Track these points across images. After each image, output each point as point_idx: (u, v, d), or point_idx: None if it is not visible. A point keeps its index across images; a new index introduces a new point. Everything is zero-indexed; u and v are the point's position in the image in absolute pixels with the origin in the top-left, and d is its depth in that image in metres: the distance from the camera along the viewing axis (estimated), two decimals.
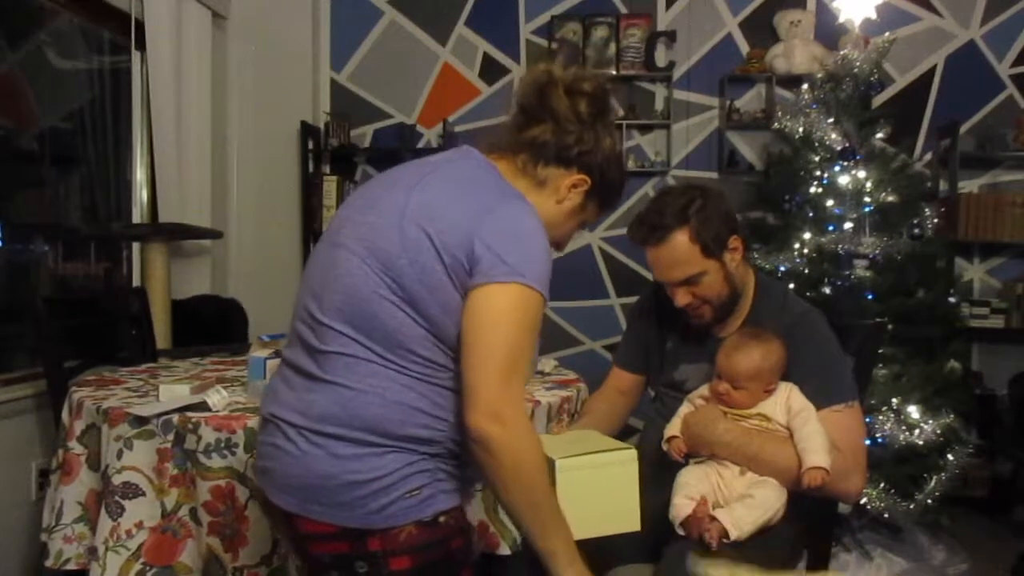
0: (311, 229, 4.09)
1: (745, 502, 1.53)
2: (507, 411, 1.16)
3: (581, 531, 1.43)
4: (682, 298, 1.70)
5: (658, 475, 1.71)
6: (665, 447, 1.67)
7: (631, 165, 4.13)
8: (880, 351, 2.51)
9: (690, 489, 1.56)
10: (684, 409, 1.69)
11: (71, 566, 1.75)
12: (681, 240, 1.66)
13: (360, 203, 1.32)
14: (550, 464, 1.35)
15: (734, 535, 1.48)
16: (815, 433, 1.55)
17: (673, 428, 1.67)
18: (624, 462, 1.45)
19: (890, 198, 3.09)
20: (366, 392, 1.20)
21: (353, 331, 1.22)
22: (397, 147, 4.22)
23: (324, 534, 1.21)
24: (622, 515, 1.48)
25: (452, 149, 1.37)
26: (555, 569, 1.25)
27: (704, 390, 1.68)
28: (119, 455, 1.64)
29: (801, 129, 3.20)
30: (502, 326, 1.17)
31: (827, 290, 3.03)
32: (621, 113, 4.16)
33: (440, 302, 1.20)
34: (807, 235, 3.10)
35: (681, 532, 1.53)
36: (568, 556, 1.26)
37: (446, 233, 1.19)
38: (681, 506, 1.54)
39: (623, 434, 1.92)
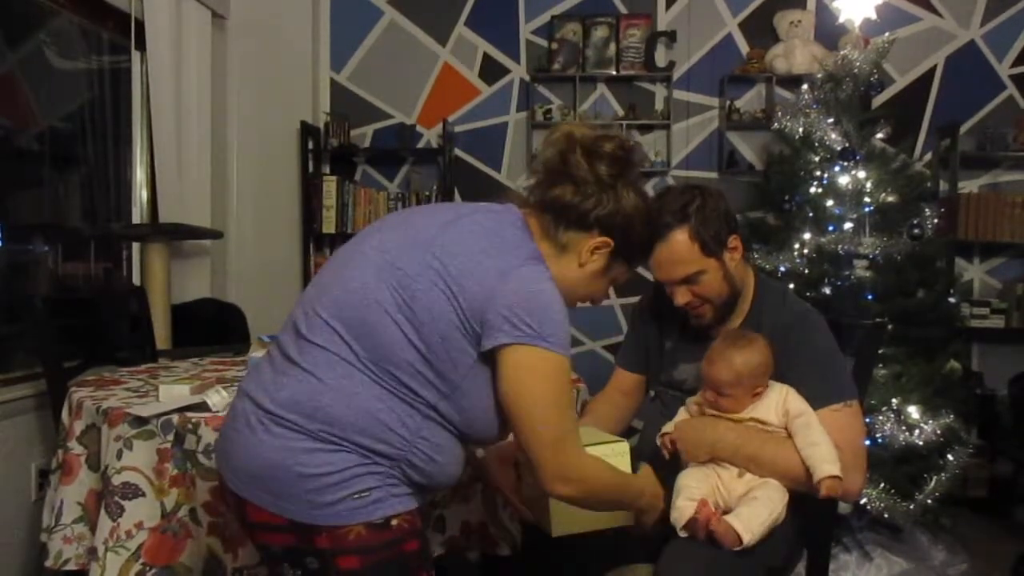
0: (311, 229, 4.09)
1: (752, 504, 1.53)
2: (571, 472, 1.29)
3: (576, 526, 1.43)
4: (682, 297, 1.70)
5: (657, 475, 1.71)
6: (658, 441, 1.67)
7: None
8: (880, 351, 2.51)
9: (692, 491, 1.56)
10: (682, 413, 1.69)
11: (71, 566, 1.75)
12: (681, 239, 1.66)
13: (394, 221, 1.36)
14: None
15: (747, 539, 1.48)
16: (822, 441, 1.54)
17: (667, 427, 1.67)
18: (617, 454, 1.50)
19: (890, 198, 3.08)
20: (336, 390, 1.22)
21: (344, 331, 1.24)
22: (397, 147, 4.23)
23: (272, 525, 1.23)
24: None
25: (496, 203, 1.40)
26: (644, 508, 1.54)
27: (699, 396, 1.68)
28: (119, 455, 1.64)
29: (801, 129, 3.20)
30: (541, 400, 1.25)
31: (827, 290, 3.03)
32: (622, 113, 4.17)
33: (442, 333, 1.23)
34: (807, 235, 3.10)
35: (684, 534, 1.53)
36: (644, 497, 1.52)
37: (467, 280, 1.23)
38: (684, 508, 1.54)
39: (625, 435, 1.92)
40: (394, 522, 1.22)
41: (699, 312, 1.72)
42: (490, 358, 1.24)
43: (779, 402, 1.59)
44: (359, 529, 1.20)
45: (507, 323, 1.21)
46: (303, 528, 1.20)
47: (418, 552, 1.26)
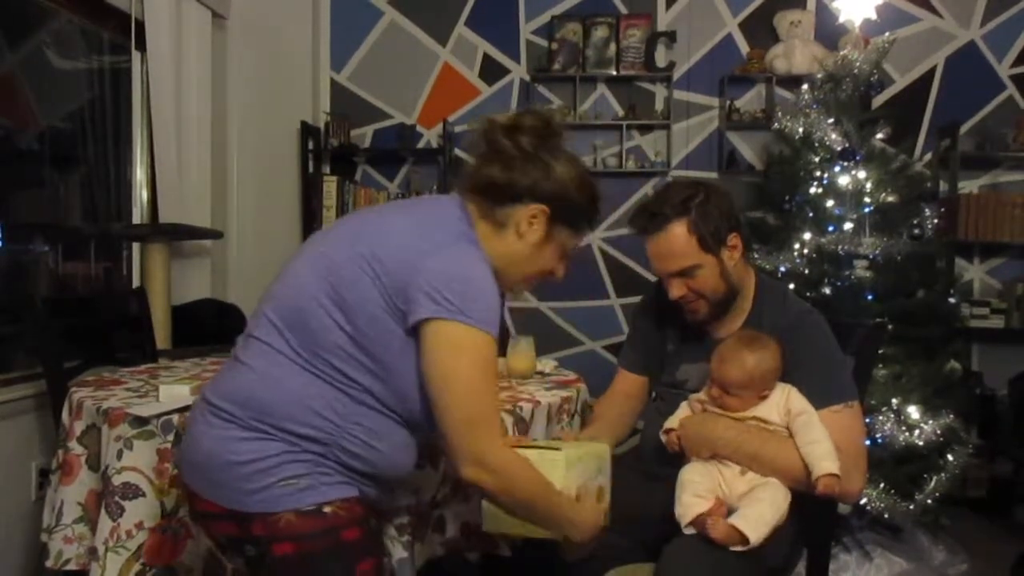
0: (311, 229, 4.09)
1: (757, 506, 1.53)
2: (488, 457, 1.26)
3: (505, 525, 1.42)
4: (677, 290, 1.70)
5: (657, 474, 1.71)
6: (663, 438, 1.67)
7: (631, 165, 4.13)
8: (880, 351, 2.50)
9: (697, 487, 1.56)
10: (684, 408, 1.69)
11: (71, 566, 1.75)
12: (679, 231, 1.66)
13: (341, 219, 1.43)
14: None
15: (753, 540, 1.48)
16: (822, 439, 1.54)
17: (672, 422, 1.67)
18: (546, 460, 1.43)
19: (890, 198, 3.08)
20: (266, 378, 1.27)
21: (281, 323, 1.29)
22: (397, 147, 4.23)
23: (214, 513, 1.28)
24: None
25: (443, 195, 1.44)
26: (570, 533, 1.41)
27: (703, 393, 1.68)
28: (119, 455, 1.64)
29: (801, 129, 3.20)
30: (456, 376, 1.23)
31: (827, 290, 3.03)
32: (622, 113, 4.17)
33: (369, 315, 1.25)
34: (807, 235, 3.10)
35: (689, 531, 1.53)
36: (570, 518, 1.40)
37: (390, 260, 1.25)
38: (689, 505, 1.54)
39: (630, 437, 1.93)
40: (327, 509, 1.25)
41: (693, 308, 1.72)
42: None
43: (781, 401, 1.60)
44: (289, 516, 1.23)
45: (428, 298, 1.22)
46: (239, 516, 1.24)
47: (359, 540, 1.27)
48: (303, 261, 1.35)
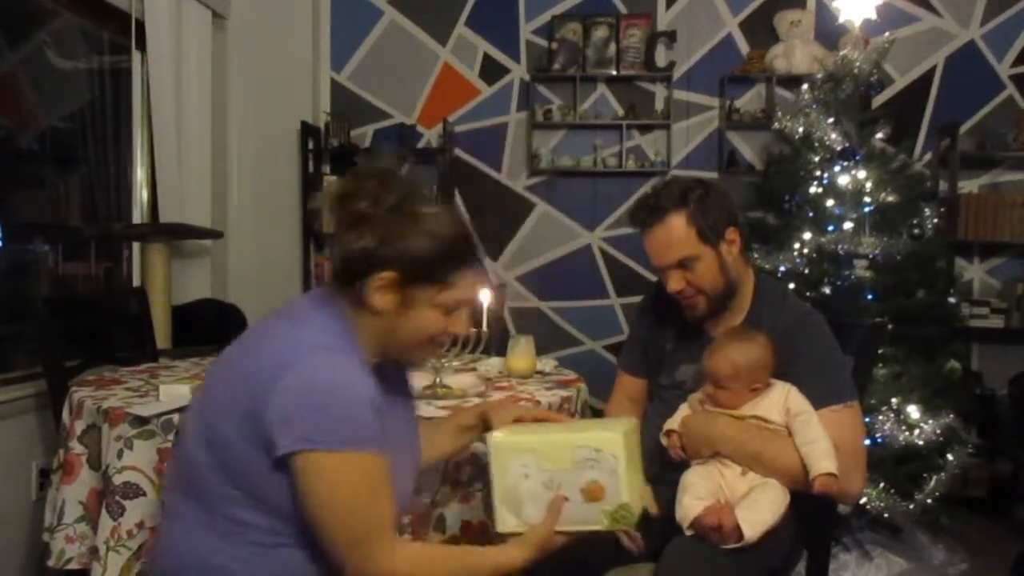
0: (311, 229, 4.09)
1: (755, 506, 1.53)
2: (383, 572, 1.19)
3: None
4: (675, 283, 1.71)
5: (657, 474, 1.71)
6: (664, 441, 1.67)
7: (631, 165, 4.14)
8: (880, 351, 2.51)
9: (698, 489, 1.56)
10: (684, 409, 1.69)
11: (73, 565, 1.75)
12: (678, 222, 1.67)
13: (216, 359, 1.36)
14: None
15: (748, 536, 1.48)
16: (821, 438, 1.54)
17: (672, 423, 1.68)
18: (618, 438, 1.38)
19: (890, 198, 3.09)
20: (170, 543, 1.27)
21: (184, 483, 1.26)
22: (397, 147, 4.23)
23: None
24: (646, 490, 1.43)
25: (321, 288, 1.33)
26: (513, 569, 1.30)
27: (701, 392, 1.68)
28: (120, 455, 1.64)
29: (801, 129, 3.20)
30: (330, 505, 1.16)
31: (827, 290, 3.03)
32: (622, 113, 4.17)
33: (244, 461, 1.18)
34: (807, 235, 3.10)
35: (690, 532, 1.53)
36: (503, 563, 1.30)
37: (245, 402, 1.17)
38: (690, 507, 1.54)
39: None
40: None
41: (692, 303, 1.73)
42: None
43: (781, 400, 1.60)
44: None
45: (280, 434, 1.14)
46: None
47: None
48: (189, 413, 1.29)
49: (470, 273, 1.28)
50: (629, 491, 1.32)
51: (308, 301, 1.31)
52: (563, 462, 1.32)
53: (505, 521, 1.36)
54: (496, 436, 1.37)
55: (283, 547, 1.22)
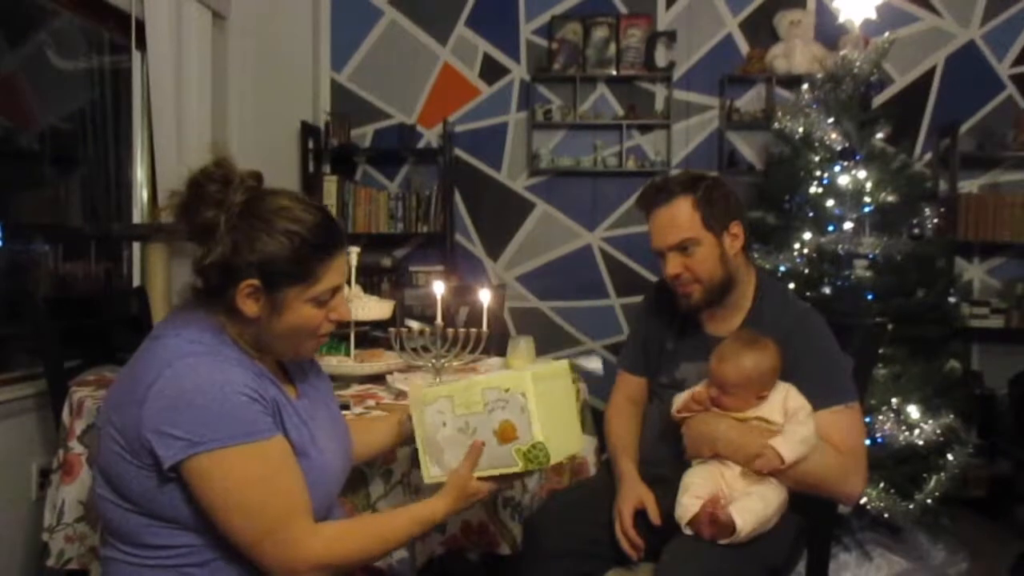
0: None
1: (747, 499, 1.54)
2: (305, 556, 1.16)
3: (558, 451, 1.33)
4: (673, 266, 1.71)
5: (657, 475, 1.71)
6: (675, 414, 1.67)
7: (631, 165, 4.14)
8: (880, 351, 2.51)
9: (697, 488, 1.56)
10: (685, 394, 1.68)
11: (73, 565, 1.76)
12: (684, 204, 1.69)
13: None
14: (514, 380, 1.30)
15: (739, 525, 1.49)
16: (800, 427, 1.55)
17: (678, 403, 1.68)
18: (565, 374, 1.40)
19: (890, 198, 3.09)
20: None
21: (106, 532, 1.25)
22: (397, 147, 4.23)
23: None
24: (575, 434, 1.45)
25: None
26: (436, 518, 1.30)
27: (700, 387, 1.68)
28: None
29: (801, 129, 3.20)
30: (227, 505, 1.14)
31: (827, 290, 3.03)
32: (622, 113, 4.17)
33: (139, 488, 1.16)
34: (807, 235, 3.10)
35: (688, 532, 1.54)
36: (429, 517, 1.30)
37: (120, 424, 1.16)
38: (688, 506, 1.54)
39: None
40: None
41: (688, 291, 1.73)
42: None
43: (782, 400, 1.60)
44: None
45: (159, 446, 1.12)
46: None
47: None
48: (94, 458, 1.30)
49: (334, 261, 1.24)
50: (543, 430, 1.29)
51: (172, 318, 1.27)
52: (475, 406, 1.32)
53: (429, 471, 1.37)
54: (413, 386, 1.36)
55: (218, 560, 1.20)
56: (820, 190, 3.13)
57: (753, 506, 1.52)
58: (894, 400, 2.93)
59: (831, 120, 3.15)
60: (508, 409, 1.30)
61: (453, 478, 1.31)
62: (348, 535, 1.26)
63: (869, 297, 3.01)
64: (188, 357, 1.16)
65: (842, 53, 3.19)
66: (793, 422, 1.57)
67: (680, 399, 1.69)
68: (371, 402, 1.84)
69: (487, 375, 1.41)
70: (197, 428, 1.12)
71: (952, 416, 2.99)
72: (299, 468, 1.21)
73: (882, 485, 2.86)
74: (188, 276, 1.24)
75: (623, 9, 4.17)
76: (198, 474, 1.13)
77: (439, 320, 1.94)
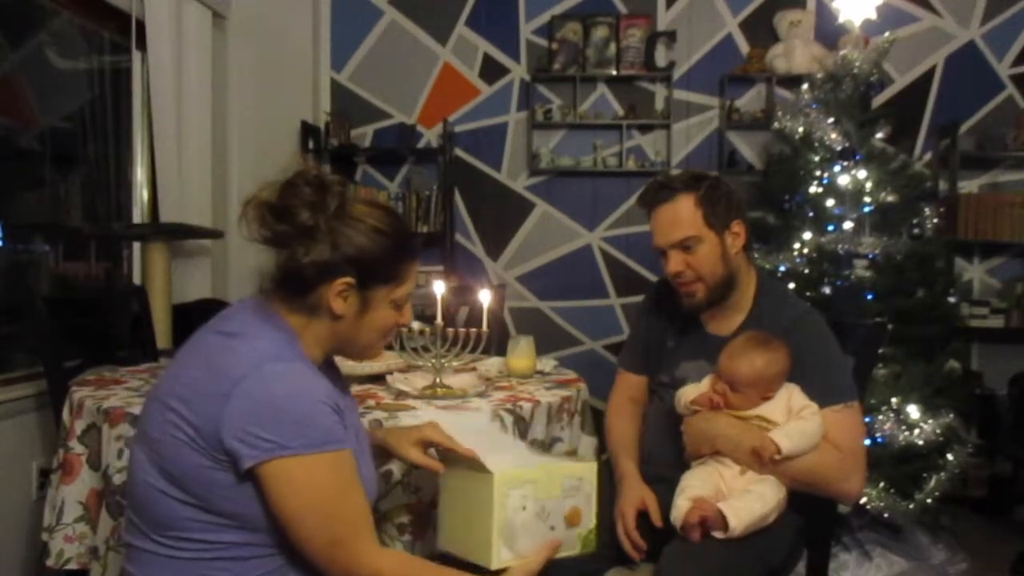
0: None
1: (743, 497, 1.54)
2: (363, 571, 1.19)
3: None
4: (675, 264, 1.71)
5: (657, 475, 1.71)
6: (685, 408, 1.67)
7: (631, 165, 4.14)
8: (880, 351, 2.51)
9: (693, 491, 1.56)
10: (705, 383, 1.68)
11: (72, 565, 1.75)
12: (686, 202, 1.69)
13: (163, 371, 1.34)
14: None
15: (733, 524, 1.49)
16: (802, 422, 1.56)
17: (690, 392, 1.67)
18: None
19: (890, 198, 3.09)
20: None
21: (138, 519, 1.24)
22: (397, 147, 4.23)
23: None
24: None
25: (243, 302, 1.30)
26: None
27: (704, 383, 1.68)
28: (119, 455, 1.64)
29: (801, 129, 3.20)
30: (302, 511, 1.16)
31: (827, 290, 3.03)
32: (622, 113, 4.17)
33: (205, 481, 1.17)
34: (807, 235, 3.10)
35: (683, 533, 1.54)
36: None
37: (195, 417, 1.16)
38: (683, 508, 1.54)
39: None
40: None
41: (690, 289, 1.73)
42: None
43: (784, 400, 1.60)
44: None
45: (244, 445, 1.13)
46: None
47: None
48: (135, 442, 1.26)
49: (415, 264, 1.33)
50: (596, 516, 1.36)
51: (244, 314, 1.27)
52: (554, 491, 1.33)
53: (500, 556, 1.31)
54: (497, 469, 1.31)
55: (257, 559, 1.21)
56: (820, 190, 3.13)
57: (748, 503, 1.52)
58: (894, 400, 2.93)
59: (831, 120, 3.15)
60: (578, 496, 1.35)
61: (526, 568, 1.30)
62: (410, 566, 1.27)
63: (869, 297, 3.01)
64: (277, 363, 1.18)
65: (842, 53, 3.19)
66: (796, 418, 1.57)
67: (689, 391, 1.68)
68: (371, 402, 1.85)
69: (560, 462, 1.45)
70: (285, 432, 1.14)
71: (952, 416, 2.99)
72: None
73: (882, 485, 2.86)
74: (255, 275, 1.28)
75: (623, 9, 4.17)
76: (280, 477, 1.15)
77: (439, 320, 1.94)
